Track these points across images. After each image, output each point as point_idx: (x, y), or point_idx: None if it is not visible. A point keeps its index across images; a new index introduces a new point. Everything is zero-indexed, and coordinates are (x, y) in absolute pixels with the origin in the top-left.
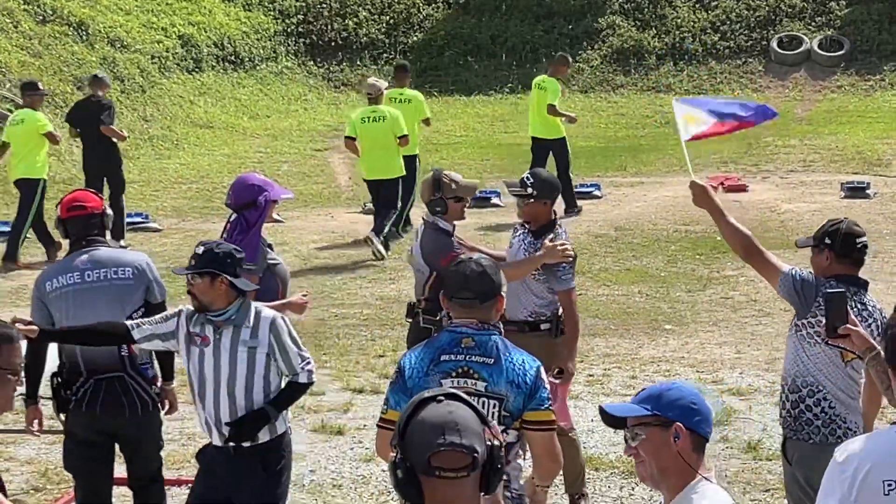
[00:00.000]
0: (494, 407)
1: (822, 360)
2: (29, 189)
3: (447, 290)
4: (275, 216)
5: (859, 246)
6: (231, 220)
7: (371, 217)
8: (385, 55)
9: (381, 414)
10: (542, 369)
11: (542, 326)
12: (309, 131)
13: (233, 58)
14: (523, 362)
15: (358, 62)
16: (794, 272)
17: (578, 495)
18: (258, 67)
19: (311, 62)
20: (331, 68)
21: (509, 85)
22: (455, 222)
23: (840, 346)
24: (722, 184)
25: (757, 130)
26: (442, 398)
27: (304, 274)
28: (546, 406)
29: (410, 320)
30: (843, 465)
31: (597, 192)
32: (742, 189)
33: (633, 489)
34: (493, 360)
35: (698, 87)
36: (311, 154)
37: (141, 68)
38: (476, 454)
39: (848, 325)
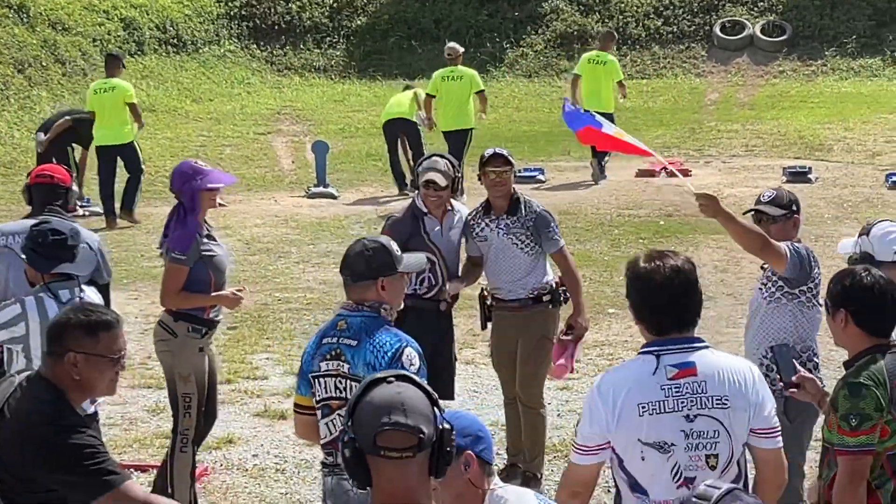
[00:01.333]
0: (344, 388)
1: (815, 323)
2: (132, 152)
3: (340, 267)
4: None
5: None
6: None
7: (314, 201)
8: (328, 39)
9: (294, 398)
10: (407, 350)
11: (544, 299)
12: (252, 115)
13: (175, 41)
14: (384, 343)
15: (301, 46)
16: (792, 248)
17: (533, 475)
18: (201, 51)
19: (254, 45)
20: (274, 52)
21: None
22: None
23: (796, 396)
24: (665, 168)
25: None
26: (392, 379)
27: (246, 258)
28: None
29: None
30: (604, 394)
31: (540, 177)
32: (685, 174)
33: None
34: (356, 343)
35: (641, 72)
36: (254, 138)
37: (82, 51)
38: (422, 435)
39: (801, 374)
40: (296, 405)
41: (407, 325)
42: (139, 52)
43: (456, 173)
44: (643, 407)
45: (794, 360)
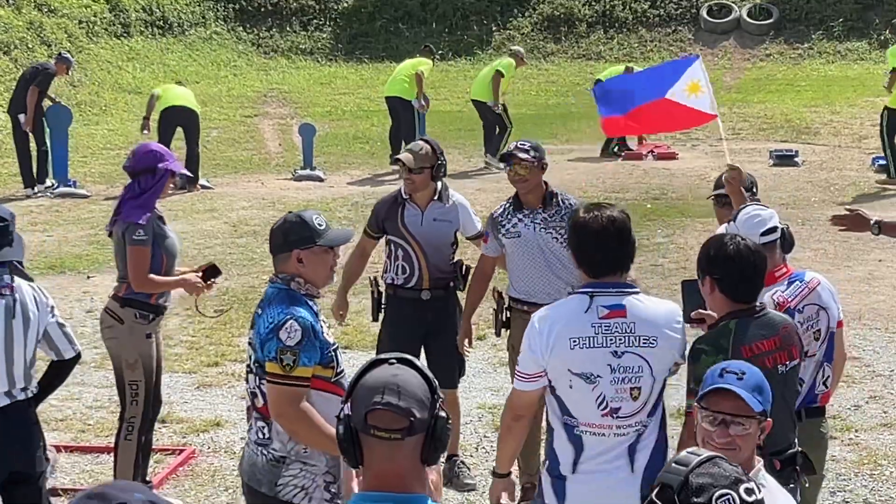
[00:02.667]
0: (252, 357)
1: None
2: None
3: None
4: (203, 182)
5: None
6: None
7: (301, 183)
8: (315, 21)
9: None
10: (289, 322)
11: None
12: (238, 97)
13: (161, 23)
14: (273, 314)
15: (287, 28)
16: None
17: (533, 485)
18: (187, 33)
19: (241, 28)
20: (260, 34)
21: (440, 52)
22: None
23: (699, 328)
24: (651, 152)
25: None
26: (394, 361)
27: (233, 241)
28: (272, 357)
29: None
30: (540, 328)
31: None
32: (672, 157)
33: None
34: (261, 312)
35: (628, 55)
36: (240, 120)
37: (68, 33)
38: (413, 418)
39: (700, 311)
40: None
41: (388, 313)
42: (125, 34)
43: (438, 160)
44: (574, 340)
45: (701, 297)
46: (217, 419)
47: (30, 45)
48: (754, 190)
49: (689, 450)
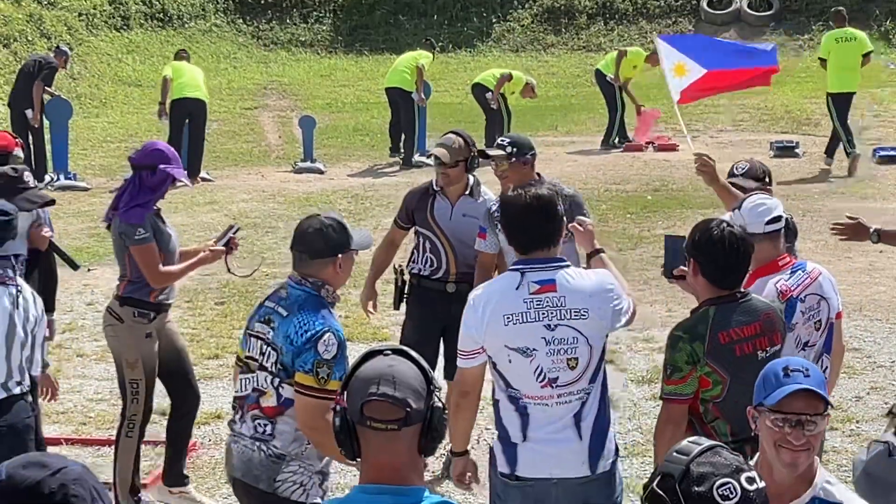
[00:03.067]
0: (273, 357)
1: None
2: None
3: (291, 241)
4: (204, 175)
5: (767, 181)
6: (127, 177)
7: (301, 176)
8: (315, 13)
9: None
10: (326, 336)
11: None
12: (238, 90)
13: (161, 15)
14: (308, 322)
15: (287, 20)
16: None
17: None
18: (187, 25)
19: (241, 20)
20: (260, 26)
21: (440, 44)
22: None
23: (677, 285)
24: (652, 143)
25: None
26: (389, 352)
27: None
28: (309, 369)
29: None
30: (475, 307)
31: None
32: (672, 148)
33: None
34: (287, 313)
35: (629, 47)
36: (240, 113)
37: (68, 26)
38: (409, 409)
39: (682, 267)
40: (237, 357)
41: (411, 304)
42: (125, 27)
43: (471, 151)
44: (508, 317)
45: (683, 254)
46: (217, 411)
47: (29, 38)
48: (767, 180)
49: (690, 439)
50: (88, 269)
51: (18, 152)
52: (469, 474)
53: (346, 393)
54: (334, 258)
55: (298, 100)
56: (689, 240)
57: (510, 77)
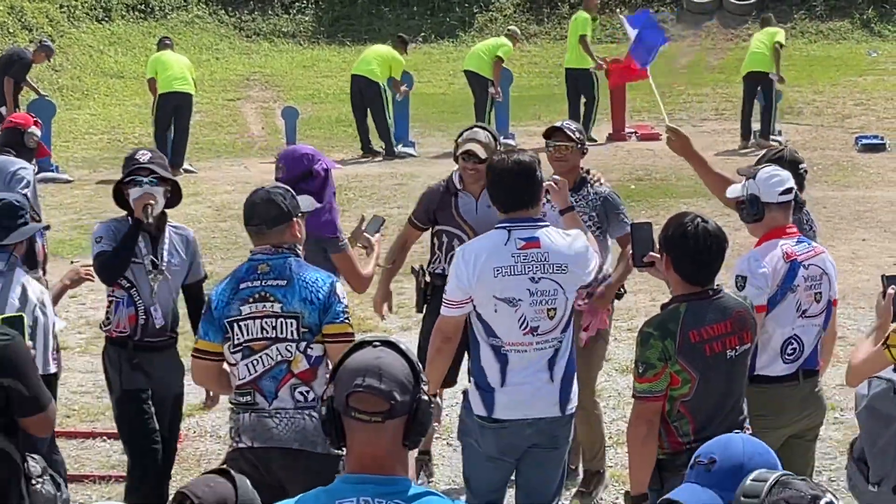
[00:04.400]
0: (292, 325)
1: None
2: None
3: (244, 219)
4: (186, 166)
5: (801, 171)
6: None
7: None
8: (297, 4)
9: (195, 343)
10: (337, 285)
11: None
12: (221, 81)
13: (143, 6)
14: (316, 280)
15: (269, 11)
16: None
17: (596, 471)
18: (169, 16)
19: (222, 11)
20: (242, 17)
21: (422, 34)
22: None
23: (647, 271)
24: (636, 132)
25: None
26: (377, 344)
27: (217, 224)
28: (342, 319)
29: None
30: (466, 260)
31: (511, 142)
32: (655, 138)
33: None
34: (286, 282)
35: (611, 36)
36: (223, 104)
37: (49, 17)
38: (394, 401)
39: (651, 254)
40: (197, 350)
41: (434, 304)
42: (107, 19)
43: (498, 146)
44: (497, 270)
45: (652, 240)
46: (202, 403)
47: (11, 30)
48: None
49: (752, 476)
50: (72, 262)
51: (34, 130)
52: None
53: (333, 383)
54: (291, 221)
55: (281, 91)
56: (661, 234)
57: (502, 59)
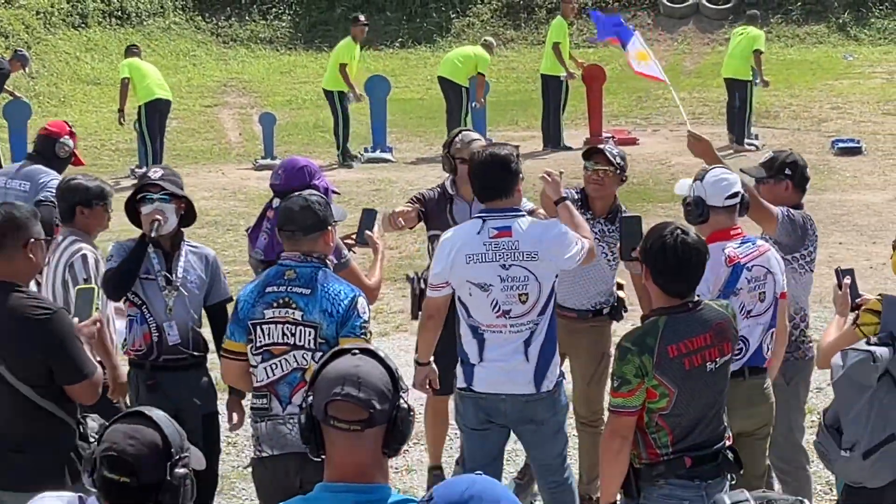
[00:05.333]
0: (310, 334)
1: (808, 286)
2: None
3: (278, 223)
4: None
5: (808, 176)
6: (274, 206)
7: (262, 173)
8: (274, 10)
9: (223, 344)
10: (360, 300)
11: (604, 311)
12: (198, 87)
13: (119, 13)
14: (339, 292)
15: (246, 17)
16: (787, 213)
17: (590, 497)
18: (145, 23)
19: (199, 17)
20: (219, 23)
21: (399, 39)
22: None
23: (633, 266)
24: (613, 137)
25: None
26: (356, 352)
27: (195, 231)
28: (359, 333)
29: None
30: (443, 247)
31: None
32: (633, 142)
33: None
34: (309, 291)
35: (588, 42)
36: (200, 110)
37: (26, 24)
38: (373, 410)
39: (640, 248)
40: (226, 350)
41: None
42: (83, 25)
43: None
44: (469, 257)
45: (641, 234)
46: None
47: None
48: (787, 172)
49: (731, 499)
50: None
51: (67, 140)
52: (430, 380)
53: (311, 391)
54: (325, 231)
55: (258, 97)
56: (642, 245)
57: (483, 75)
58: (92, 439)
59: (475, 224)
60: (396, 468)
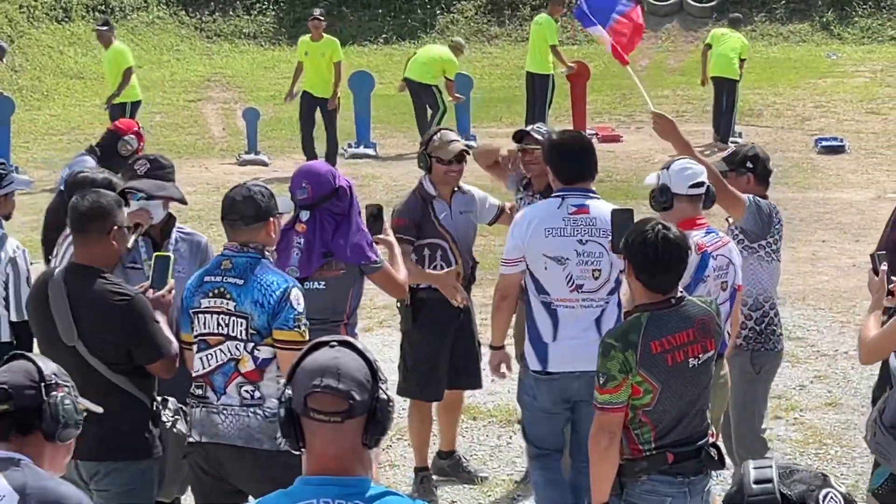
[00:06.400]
0: (241, 325)
1: (776, 275)
2: None
3: (221, 212)
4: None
5: (771, 169)
6: (303, 219)
7: (245, 168)
8: (258, 5)
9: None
10: (293, 290)
11: None
12: (181, 82)
13: (103, 7)
14: (271, 283)
15: (230, 12)
16: (755, 200)
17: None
18: (129, 17)
19: (183, 12)
20: (203, 18)
21: (384, 35)
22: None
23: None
24: (596, 135)
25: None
26: (335, 344)
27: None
28: (292, 326)
29: None
30: (522, 223)
31: (472, 143)
32: (616, 139)
33: (510, 438)
34: (242, 281)
35: (572, 38)
36: (183, 105)
37: (9, 18)
38: (352, 401)
39: None
40: (181, 341)
41: (424, 315)
42: (66, 19)
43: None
44: (548, 230)
45: (631, 226)
46: None
47: None
48: (748, 165)
49: (753, 465)
50: (31, 263)
51: (131, 139)
52: (503, 364)
53: (290, 384)
54: (267, 221)
55: (242, 92)
56: (624, 241)
57: (452, 80)
58: (165, 420)
59: (555, 201)
60: (379, 464)
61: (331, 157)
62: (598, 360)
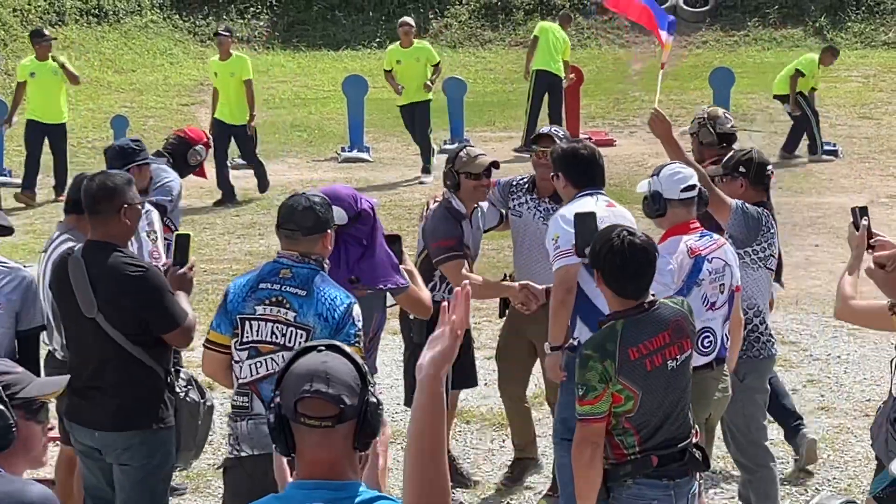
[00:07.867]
0: (301, 337)
1: (762, 283)
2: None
3: (277, 221)
4: None
5: (768, 173)
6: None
7: (239, 172)
8: (252, 9)
9: (207, 335)
10: (355, 307)
11: None
12: (175, 86)
13: (96, 11)
14: (335, 298)
15: (224, 16)
16: (742, 205)
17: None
18: (122, 21)
19: (177, 16)
20: (196, 22)
21: (377, 39)
22: (482, 204)
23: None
24: (589, 138)
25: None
26: (322, 349)
27: None
28: (353, 342)
29: None
30: (566, 215)
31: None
32: (610, 144)
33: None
34: (305, 293)
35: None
36: (177, 109)
37: (2, 22)
38: (342, 405)
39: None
40: (208, 341)
41: (431, 325)
42: (60, 23)
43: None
44: (600, 219)
45: (596, 230)
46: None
47: None
48: (741, 170)
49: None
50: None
51: (202, 149)
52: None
53: (280, 389)
54: (324, 234)
55: None
56: (592, 249)
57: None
58: (178, 390)
59: (592, 198)
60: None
61: (230, 200)
62: (576, 372)
